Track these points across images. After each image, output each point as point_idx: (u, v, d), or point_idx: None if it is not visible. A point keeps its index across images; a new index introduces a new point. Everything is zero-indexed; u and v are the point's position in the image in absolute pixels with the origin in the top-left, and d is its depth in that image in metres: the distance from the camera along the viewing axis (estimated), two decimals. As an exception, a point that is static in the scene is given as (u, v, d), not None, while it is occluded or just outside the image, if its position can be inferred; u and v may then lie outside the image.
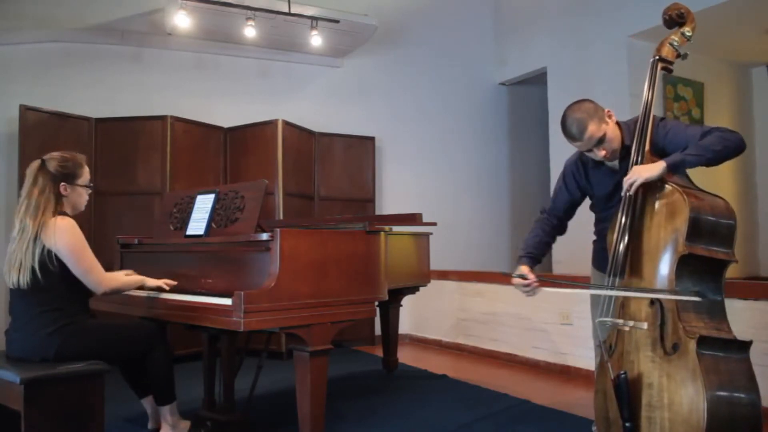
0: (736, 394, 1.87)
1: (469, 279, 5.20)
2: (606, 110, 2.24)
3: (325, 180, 5.43)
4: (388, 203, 5.87)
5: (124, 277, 2.64)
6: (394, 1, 6.02)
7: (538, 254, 2.48)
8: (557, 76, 5.83)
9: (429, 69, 6.24)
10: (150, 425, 2.85)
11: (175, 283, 2.71)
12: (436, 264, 4.33)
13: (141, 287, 2.69)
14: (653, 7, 4.80)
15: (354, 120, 5.75)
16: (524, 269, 2.38)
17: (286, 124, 4.95)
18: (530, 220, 7.30)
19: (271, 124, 4.90)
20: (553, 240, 2.56)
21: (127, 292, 2.84)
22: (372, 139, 5.68)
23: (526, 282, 2.33)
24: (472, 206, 6.38)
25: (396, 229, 3.77)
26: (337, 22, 4.98)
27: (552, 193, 2.63)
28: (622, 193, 2.14)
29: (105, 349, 2.43)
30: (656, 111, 2.26)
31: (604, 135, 2.20)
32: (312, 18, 4.90)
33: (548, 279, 2.36)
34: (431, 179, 6.14)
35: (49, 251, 2.34)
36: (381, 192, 5.83)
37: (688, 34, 2.30)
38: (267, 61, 5.52)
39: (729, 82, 6.03)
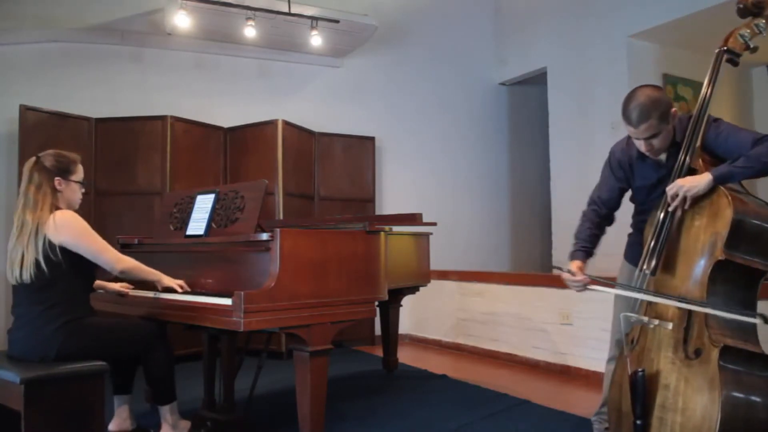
0: (753, 409, 1.81)
1: (469, 279, 5.20)
2: (673, 109, 2.14)
3: (325, 180, 5.43)
4: (388, 203, 5.87)
5: (141, 264, 2.64)
6: (394, 1, 6.03)
7: (590, 247, 2.41)
8: (557, 76, 5.82)
9: (429, 69, 6.24)
10: (111, 426, 2.78)
11: (188, 289, 2.69)
12: (436, 264, 4.33)
13: (157, 282, 2.68)
14: (653, 7, 4.85)
15: (354, 120, 5.75)
16: (575, 265, 2.31)
17: (286, 124, 4.95)
18: (530, 220, 7.28)
19: (271, 124, 4.91)
20: (603, 232, 2.47)
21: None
22: (372, 139, 5.68)
23: (575, 279, 2.26)
24: (472, 206, 6.38)
25: (396, 229, 3.77)
26: (337, 22, 4.98)
27: (598, 181, 2.52)
28: (667, 207, 2.06)
29: (105, 348, 2.44)
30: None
31: (659, 133, 2.11)
32: (312, 18, 4.90)
33: (599, 278, 2.25)
34: (431, 179, 6.14)
35: (51, 244, 2.36)
36: (381, 192, 5.83)
37: (762, 26, 2.16)
38: (267, 61, 5.52)
39: (729, 82, 6.03)
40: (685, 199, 2.01)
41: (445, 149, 6.29)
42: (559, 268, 2.32)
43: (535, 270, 6.48)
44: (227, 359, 2.93)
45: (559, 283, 2.55)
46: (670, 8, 4.72)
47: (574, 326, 4.22)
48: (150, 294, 2.73)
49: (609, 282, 2.23)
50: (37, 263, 2.34)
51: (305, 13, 4.85)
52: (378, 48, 5.87)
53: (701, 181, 1.98)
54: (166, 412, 2.65)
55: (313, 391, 2.49)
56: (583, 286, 2.27)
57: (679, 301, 1.98)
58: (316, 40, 5.00)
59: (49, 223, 2.37)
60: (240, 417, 2.87)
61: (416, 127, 6.14)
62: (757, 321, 1.86)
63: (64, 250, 2.38)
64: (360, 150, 5.61)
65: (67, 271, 2.40)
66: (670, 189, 2.05)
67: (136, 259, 3.16)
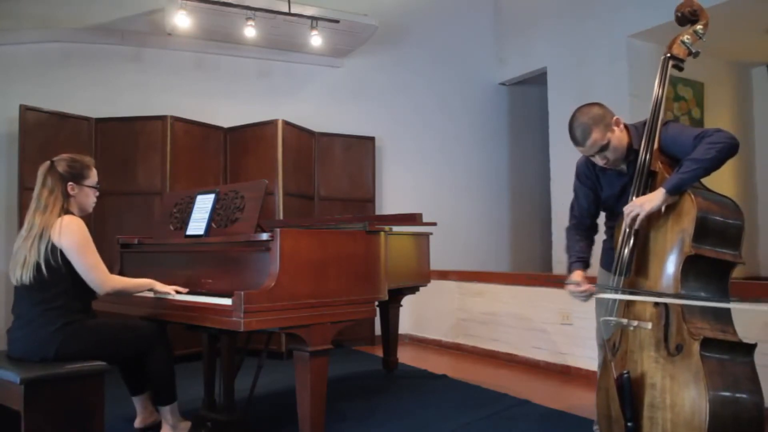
0: (739, 397, 1.85)
1: (469, 279, 5.20)
2: (614, 117, 2.20)
3: (325, 180, 5.43)
4: (388, 203, 5.87)
5: (130, 279, 2.64)
6: (394, 1, 6.02)
7: (586, 257, 2.44)
8: (557, 76, 5.82)
9: (429, 69, 6.24)
10: (136, 423, 2.86)
11: (185, 290, 2.68)
12: (436, 264, 4.33)
13: (150, 290, 2.68)
14: (653, 7, 4.85)
15: (354, 120, 5.74)
16: (577, 275, 2.34)
17: (286, 124, 4.95)
18: (530, 220, 7.28)
19: (271, 124, 4.90)
20: (592, 242, 2.51)
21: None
22: (372, 139, 5.68)
23: (581, 288, 2.30)
24: (471, 206, 6.38)
25: (396, 229, 3.77)
26: (337, 22, 4.98)
27: (573, 197, 2.56)
28: (624, 227, 2.11)
29: (105, 348, 2.44)
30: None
31: (608, 143, 2.16)
32: (312, 18, 4.90)
33: (601, 286, 2.31)
34: (431, 179, 6.14)
35: (54, 248, 2.37)
36: (381, 192, 5.83)
37: (700, 32, 2.26)
38: (267, 61, 5.52)
39: (729, 82, 6.03)
40: (638, 216, 2.05)
41: (445, 149, 6.29)
42: (562, 280, 2.36)
43: (535, 270, 6.48)
44: (227, 359, 2.93)
45: (558, 284, 2.56)
46: (670, 8, 4.67)
47: (574, 326, 4.22)
48: (150, 294, 2.73)
49: (612, 288, 2.23)
50: (37, 266, 2.36)
51: (305, 13, 4.85)
52: (378, 48, 5.87)
53: (656, 197, 2.03)
54: (167, 413, 2.66)
55: (313, 391, 2.49)
56: (589, 296, 2.30)
57: (694, 300, 1.99)
58: (316, 40, 5.01)
59: (55, 227, 2.39)
60: (240, 417, 2.87)
61: (416, 127, 6.13)
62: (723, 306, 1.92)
63: (64, 256, 2.40)
64: (360, 150, 5.61)
65: (66, 274, 2.41)
66: (627, 209, 2.09)
67: (136, 258, 3.16)
